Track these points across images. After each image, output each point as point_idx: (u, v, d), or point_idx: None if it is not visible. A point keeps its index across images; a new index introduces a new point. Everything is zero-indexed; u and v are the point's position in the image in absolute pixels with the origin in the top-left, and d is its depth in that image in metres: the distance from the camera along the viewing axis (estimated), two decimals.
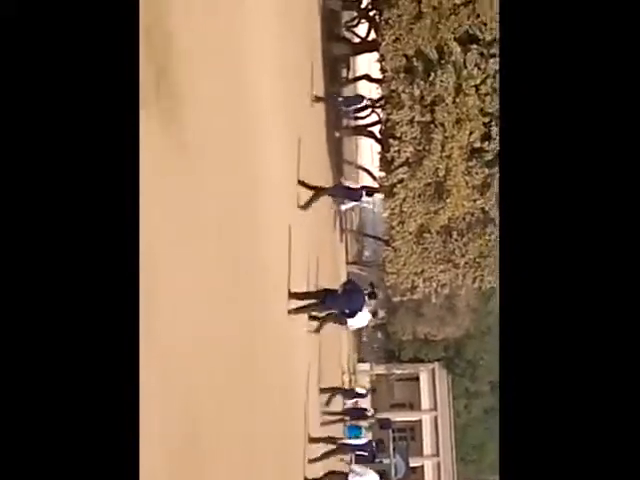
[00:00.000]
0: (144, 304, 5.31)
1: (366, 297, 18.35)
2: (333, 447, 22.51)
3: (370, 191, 25.44)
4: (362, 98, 34.90)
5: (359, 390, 32.45)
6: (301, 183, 21.18)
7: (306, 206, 21.44)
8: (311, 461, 19.73)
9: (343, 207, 27.12)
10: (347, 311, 18.42)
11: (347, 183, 25.37)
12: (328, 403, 25.55)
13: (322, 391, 24.48)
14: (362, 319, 19.52)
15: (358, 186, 25.92)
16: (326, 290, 18.70)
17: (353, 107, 33.97)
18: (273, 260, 15.66)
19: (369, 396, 57.18)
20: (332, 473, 21.27)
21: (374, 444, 22.35)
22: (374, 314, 19.48)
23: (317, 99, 27.87)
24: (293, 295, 17.45)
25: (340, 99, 33.73)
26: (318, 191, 22.44)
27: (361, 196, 24.42)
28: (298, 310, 17.65)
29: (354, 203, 26.57)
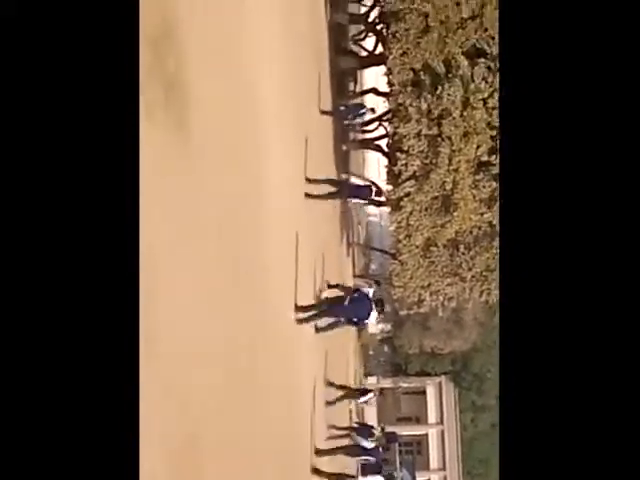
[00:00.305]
0: (144, 304, 5.35)
1: (373, 305, 18.52)
2: (342, 444, 22.50)
3: (378, 192, 25.43)
4: (363, 107, 34.94)
5: (367, 397, 32.00)
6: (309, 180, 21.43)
7: (314, 197, 21.71)
8: (318, 454, 19.79)
9: (352, 200, 27.15)
10: (354, 319, 18.72)
11: (355, 180, 25.37)
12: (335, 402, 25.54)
13: (329, 404, 24.48)
14: (370, 317, 19.79)
15: (367, 184, 25.94)
16: (333, 299, 18.85)
17: (354, 116, 34.02)
18: (277, 267, 15.71)
19: (375, 409, 57.16)
20: (340, 475, 21.24)
21: (381, 449, 22.38)
22: (381, 311, 19.66)
23: (323, 112, 28.00)
24: (300, 308, 17.56)
25: (342, 108, 33.79)
26: (326, 182, 22.65)
27: (370, 193, 24.45)
28: (306, 319, 17.78)
29: (363, 201, 26.62)
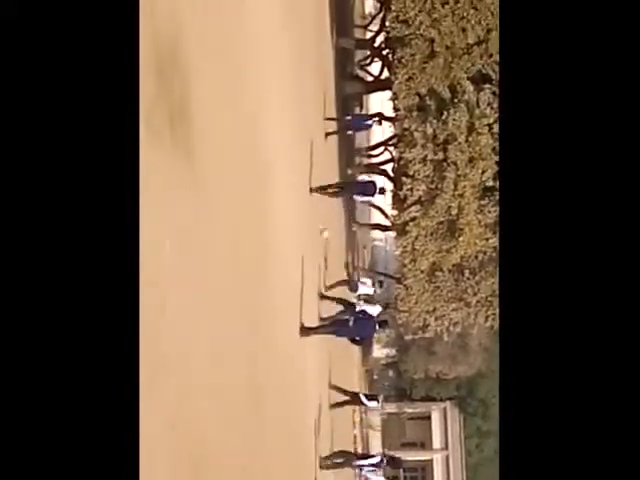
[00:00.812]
0: (145, 331, 5.33)
1: (377, 325, 18.69)
2: (346, 457, 22.44)
3: (382, 190, 25.43)
4: (370, 117, 34.89)
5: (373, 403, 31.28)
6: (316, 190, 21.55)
7: (320, 191, 21.82)
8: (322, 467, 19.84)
9: (359, 199, 27.10)
10: (357, 338, 19.06)
11: (360, 178, 25.33)
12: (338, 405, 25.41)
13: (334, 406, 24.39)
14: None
15: (371, 180, 25.87)
16: (338, 320, 19.02)
17: (360, 126, 34.02)
18: (281, 292, 15.75)
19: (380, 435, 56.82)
20: None
21: (385, 460, 22.27)
22: (385, 307, 19.87)
23: (329, 119, 28.10)
24: (305, 330, 17.69)
25: (348, 117, 33.78)
26: (332, 186, 22.73)
27: (375, 190, 24.41)
28: (310, 332, 17.99)
29: (368, 198, 26.59)
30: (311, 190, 21.68)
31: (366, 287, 26.30)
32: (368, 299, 22.94)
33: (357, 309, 20.75)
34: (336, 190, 23.77)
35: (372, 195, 25.25)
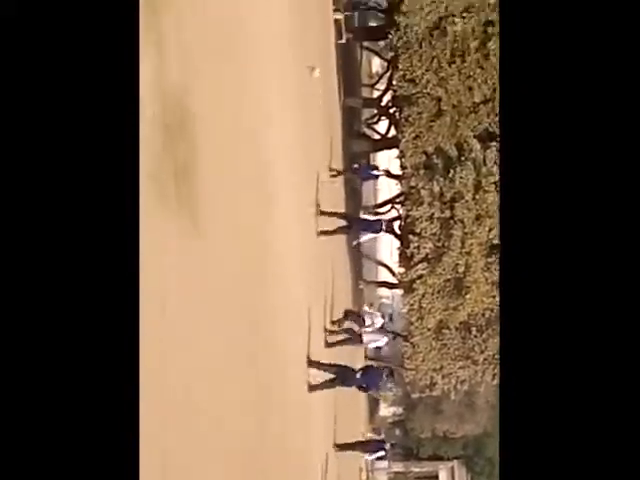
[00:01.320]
0: (147, 326, 5.32)
1: (384, 376, 18.60)
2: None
3: (389, 226, 25.22)
4: (376, 167, 35.01)
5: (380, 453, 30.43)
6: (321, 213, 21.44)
7: (325, 234, 21.71)
8: None
9: (362, 239, 26.93)
10: (364, 385, 18.95)
11: (366, 216, 25.15)
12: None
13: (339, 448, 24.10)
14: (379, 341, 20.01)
15: (378, 218, 25.67)
16: (345, 368, 18.91)
17: (368, 177, 34.10)
18: (287, 342, 15.78)
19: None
20: None
21: None
22: (395, 336, 19.81)
23: (333, 173, 28.10)
24: (313, 386, 17.65)
25: (355, 166, 33.86)
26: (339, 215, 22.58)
27: (381, 227, 24.23)
28: (315, 388, 17.86)
29: (373, 235, 26.39)
30: (318, 234, 21.63)
31: (374, 319, 25.93)
32: (377, 331, 22.69)
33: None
34: (343, 227, 23.63)
35: (378, 232, 25.11)
